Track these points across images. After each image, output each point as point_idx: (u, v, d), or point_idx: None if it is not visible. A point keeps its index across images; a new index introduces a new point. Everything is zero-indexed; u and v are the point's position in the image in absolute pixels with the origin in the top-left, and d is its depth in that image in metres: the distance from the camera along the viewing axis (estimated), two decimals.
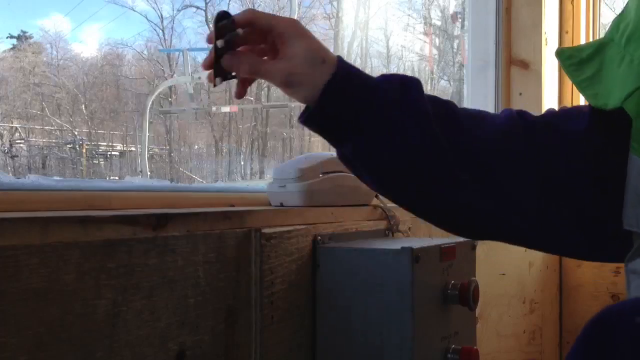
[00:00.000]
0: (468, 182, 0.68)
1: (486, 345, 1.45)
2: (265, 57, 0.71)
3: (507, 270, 1.56)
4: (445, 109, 0.70)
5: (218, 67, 0.69)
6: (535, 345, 1.67)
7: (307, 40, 0.68)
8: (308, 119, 0.69)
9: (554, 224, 0.68)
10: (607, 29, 0.64)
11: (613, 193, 0.61)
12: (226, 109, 7.66)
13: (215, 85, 0.71)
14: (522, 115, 0.71)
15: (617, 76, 0.59)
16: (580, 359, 0.36)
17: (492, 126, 0.70)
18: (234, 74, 0.70)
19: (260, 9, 0.74)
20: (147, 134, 5.61)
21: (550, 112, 0.74)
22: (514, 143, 0.69)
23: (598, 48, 0.63)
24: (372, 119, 0.67)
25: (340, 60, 0.68)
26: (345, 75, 0.67)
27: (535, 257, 1.73)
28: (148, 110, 5.63)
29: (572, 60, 0.65)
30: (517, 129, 0.69)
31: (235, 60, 0.69)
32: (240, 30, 0.68)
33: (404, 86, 0.68)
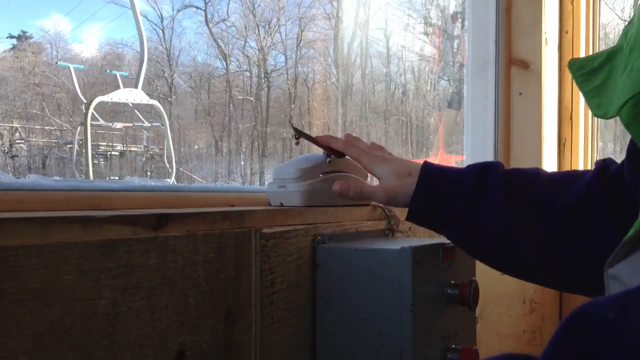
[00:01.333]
0: (534, 258, 0.78)
1: (486, 345, 1.45)
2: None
3: None
4: (523, 183, 0.79)
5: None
6: (535, 345, 1.66)
7: (392, 164, 0.84)
8: (409, 219, 0.83)
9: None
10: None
11: None
12: (118, 125, 9.40)
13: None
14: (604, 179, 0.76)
15: (619, 85, 0.59)
16: (559, 350, 0.37)
17: (566, 200, 0.77)
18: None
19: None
20: (90, 139, 6.19)
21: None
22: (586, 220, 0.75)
23: (609, 56, 0.63)
24: (451, 215, 0.79)
25: (424, 167, 0.81)
26: (426, 182, 0.80)
27: None
28: (89, 120, 6.00)
29: (582, 70, 0.66)
30: (593, 202, 0.75)
31: (345, 185, 0.86)
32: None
33: (479, 177, 0.79)
